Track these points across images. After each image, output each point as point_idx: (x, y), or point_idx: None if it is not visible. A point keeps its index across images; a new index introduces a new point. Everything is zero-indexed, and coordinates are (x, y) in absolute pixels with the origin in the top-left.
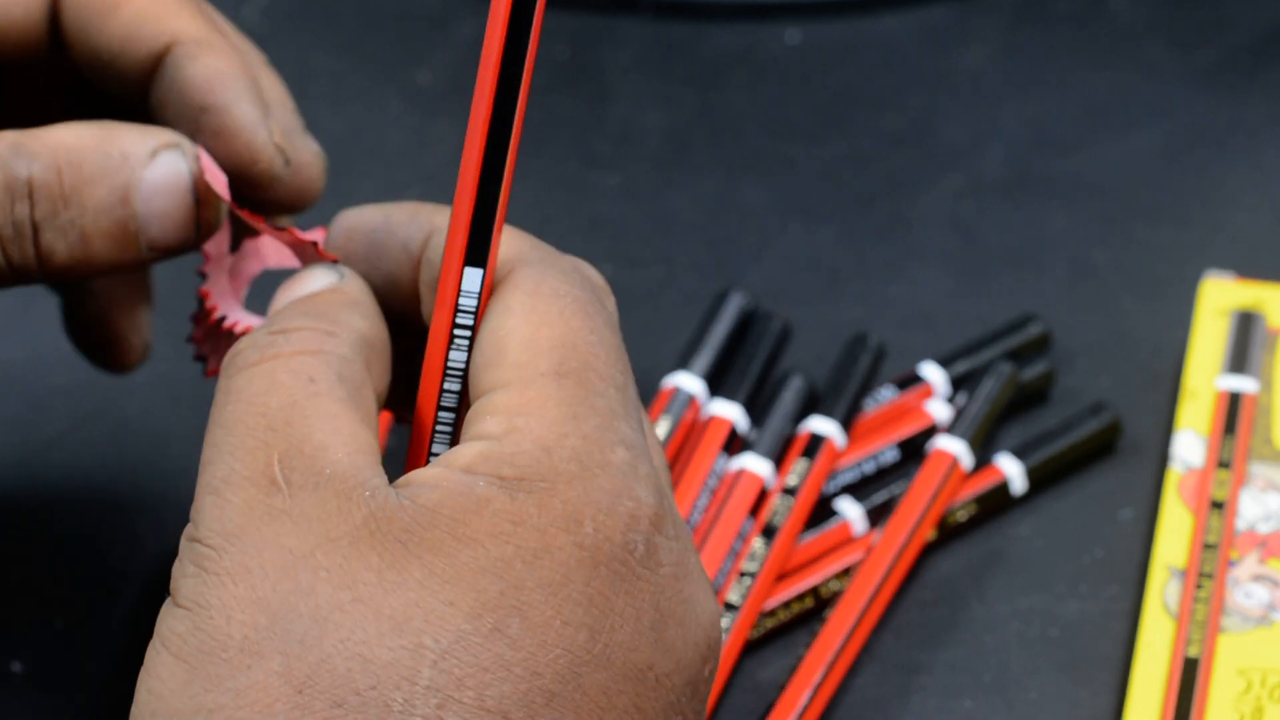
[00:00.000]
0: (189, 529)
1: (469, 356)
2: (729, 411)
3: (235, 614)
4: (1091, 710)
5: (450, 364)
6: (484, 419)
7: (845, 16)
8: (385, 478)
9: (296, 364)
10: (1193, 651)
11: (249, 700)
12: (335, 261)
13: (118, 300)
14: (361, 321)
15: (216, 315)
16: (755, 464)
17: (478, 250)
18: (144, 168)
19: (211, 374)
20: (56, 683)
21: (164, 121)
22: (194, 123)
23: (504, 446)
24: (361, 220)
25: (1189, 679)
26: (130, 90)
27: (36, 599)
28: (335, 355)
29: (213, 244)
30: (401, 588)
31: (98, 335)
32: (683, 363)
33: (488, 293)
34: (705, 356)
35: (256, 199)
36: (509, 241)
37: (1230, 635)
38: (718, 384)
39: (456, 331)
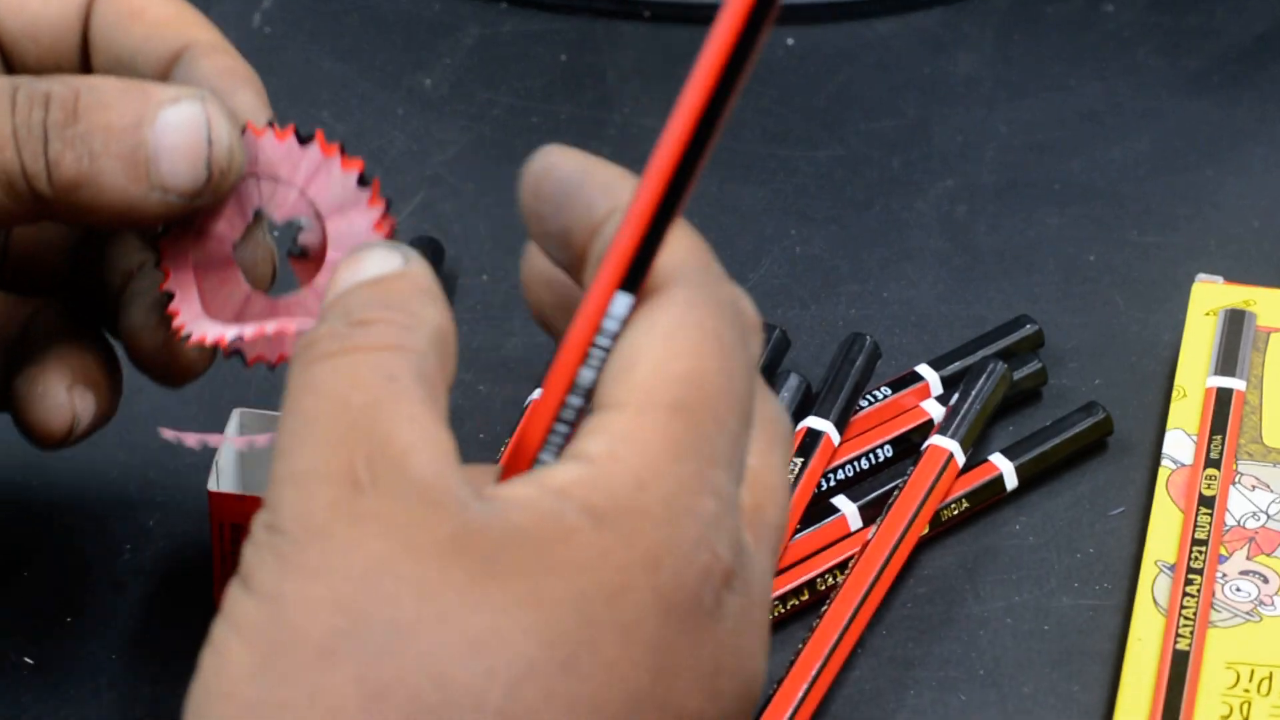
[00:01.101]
0: (266, 516)
1: (598, 376)
2: None
3: (315, 612)
4: (1083, 703)
5: (578, 380)
6: (590, 437)
7: (840, 22)
8: (470, 485)
9: (377, 360)
10: (1182, 646)
11: (322, 703)
12: (385, 221)
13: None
14: (435, 314)
15: (177, 320)
16: None
17: (635, 277)
18: (162, 106)
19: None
20: (66, 676)
21: None
22: None
23: (599, 473)
24: (562, 163)
25: (1179, 673)
26: None
27: (46, 594)
28: (415, 353)
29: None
30: (482, 609)
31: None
32: None
33: (635, 310)
34: None
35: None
36: (679, 247)
37: (1219, 630)
38: None
39: (592, 351)
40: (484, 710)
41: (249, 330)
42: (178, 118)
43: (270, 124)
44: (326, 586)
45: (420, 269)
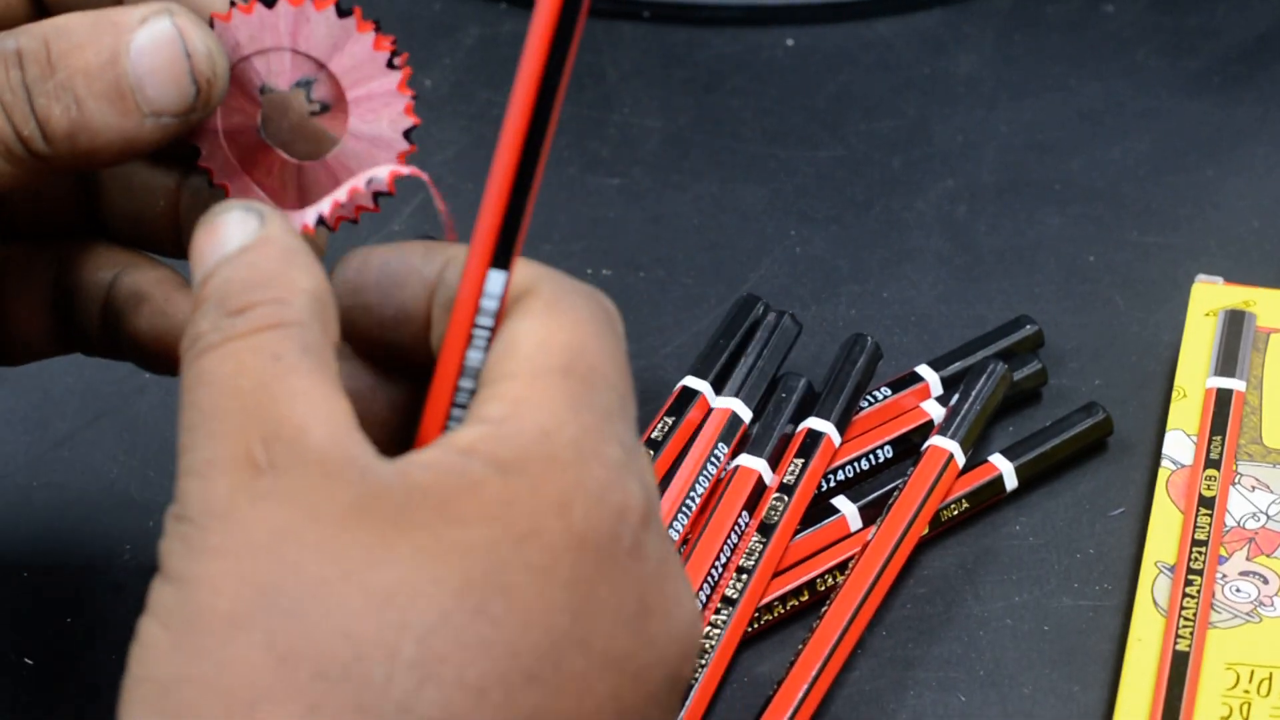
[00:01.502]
0: (174, 508)
1: (485, 357)
2: (729, 403)
3: (222, 588)
4: (1083, 704)
5: (467, 362)
6: (487, 404)
7: (841, 22)
8: (369, 446)
9: (259, 342)
10: (1182, 646)
11: (232, 670)
12: (381, 41)
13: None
14: (306, 279)
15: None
16: (753, 462)
17: (503, 253)
18: (132, 31)
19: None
20: (67, 677)
21: None
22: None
23: (503, 429)
24: (375, 255)
25: (1179, 673)
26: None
27: (47, 595)
28: (295, 325)
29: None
30: (388, 565)
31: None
32: (698, 369)
33: (507, 298)
34: (719, 362)
35: None
36: (527, 266)
37: (1219, 630)
38: (724, 381)
39: (476, 331)
40: (396, 661)
41: (325, 207)
42: (150, 39)
43: (232, 3)
44: (233, 562)
45: (279, 229)
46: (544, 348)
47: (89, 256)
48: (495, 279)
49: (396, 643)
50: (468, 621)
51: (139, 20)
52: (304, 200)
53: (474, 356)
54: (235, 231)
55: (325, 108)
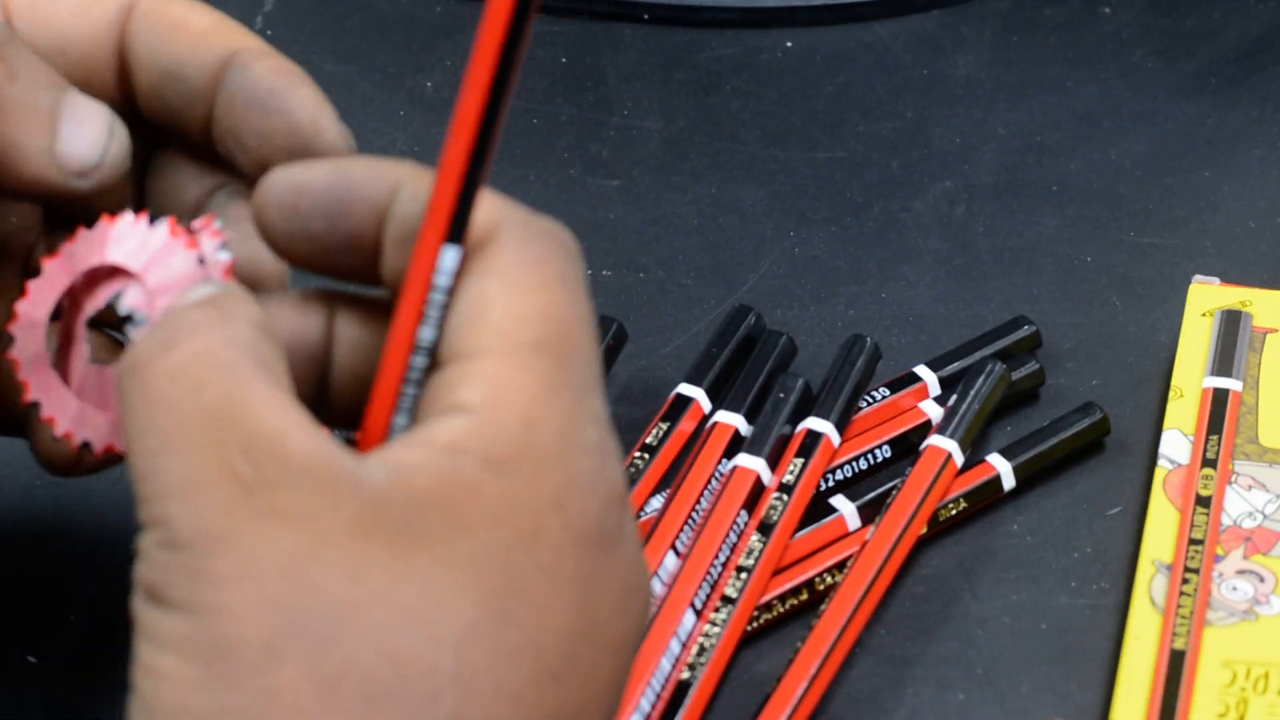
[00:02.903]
0: (157, 534)
1: (438, 333)
2: (732, 419)
3: (247, 616)
4: (1080, 702)
5: (419, 340)
6: (462, 386)
7: (840, 24)
8: (351, 455)
9: (209, 358)
10: (1179, 645)
11: (277, 701)
12: (230, 273)
13: None
14: (252, 309)
15: (29, 397)
16: (752, 462)
17: (458, 229)
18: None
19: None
20: (69, 674)
21: (227, 120)
22: (261, 105)
23: (486, 422)
24: (314, 177)
25: (1175, 671)
26: (195, 97)
27: (50, 593)
28: (242, 340)
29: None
30: (410, 579)
31: None
32: (691, 377)
33: (465, 264)
34: (713, 370)
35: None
36: (488, 203)
37: (1216, 629)
38: (722, 396)
39: (427, 309)
40: (438, 677)
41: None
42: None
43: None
44: (252, 588)
45: (236, 289)
46: (515, 316)
47: None
48: (450, 255)
49: (435, 658)
50: (495, 629)
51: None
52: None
53: (426, 334)
54: (200, 292)
55: (132, 318)
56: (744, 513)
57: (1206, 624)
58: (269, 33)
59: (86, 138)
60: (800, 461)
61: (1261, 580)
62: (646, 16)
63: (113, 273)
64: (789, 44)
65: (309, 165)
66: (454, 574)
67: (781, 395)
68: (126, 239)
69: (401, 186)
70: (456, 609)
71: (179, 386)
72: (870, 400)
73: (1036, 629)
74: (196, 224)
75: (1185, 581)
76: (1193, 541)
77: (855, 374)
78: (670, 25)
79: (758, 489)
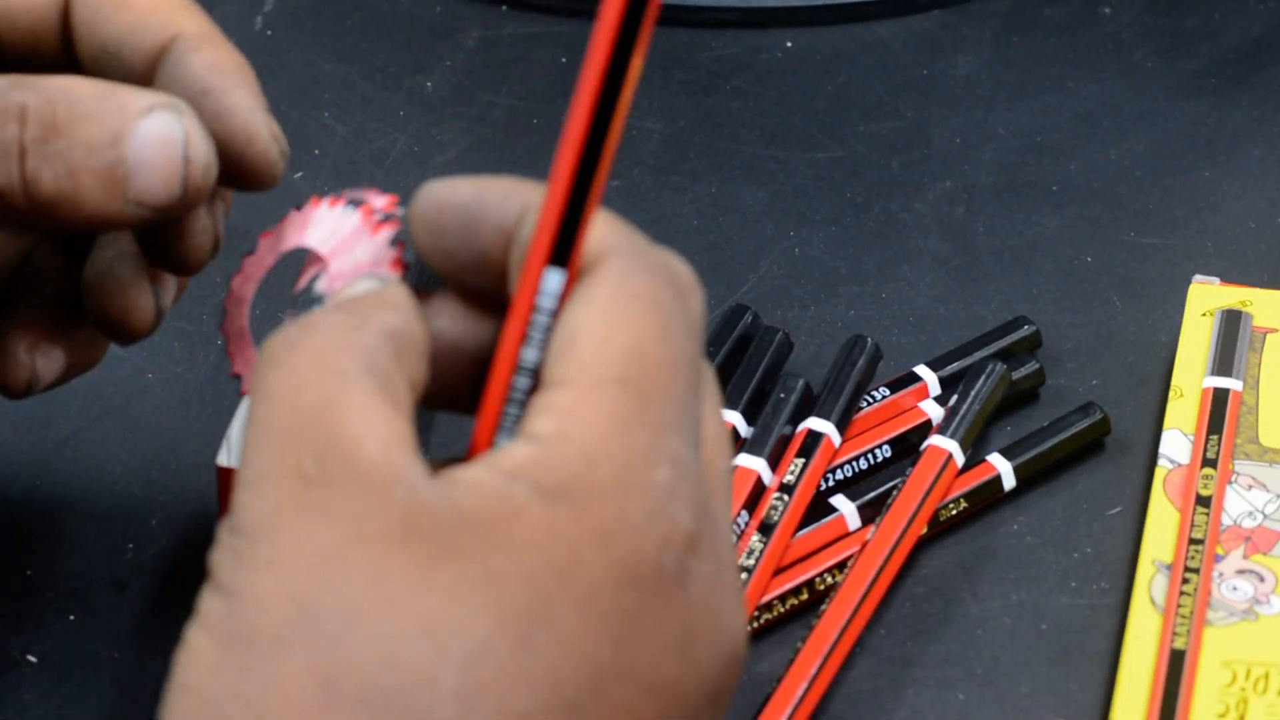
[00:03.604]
0: (228, 520)
1: (542, 355)
2: (729, 417)
3: (267, 605)
4: (1080, 702)
5: (522, 361)
6: (538, 416)
7: (840, 24)
8: (422, 469)
9: (324, 359)
10: (1179, 644)
11: (276, 691)
12: (398, 263)
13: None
14: (392, 316)
15: (236, 369)
16: (752, 462)
17: (562, 250)
18: (139, 118)
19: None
20: (68, 675)
21: None
22: (195, 105)
23: (548, 452)
24: (454, 194)
25: (1175, 671)
26: (133, 79)
27: (50, 592)
28: (363, 348)
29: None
30: (430, 591)
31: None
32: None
33: (570, 288)
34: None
35: (233, 179)
36: (602, 229)
37: (1216, 628)
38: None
39: (530, 330)
40: (438, 690)
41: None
42: (154, 133)
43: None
44: (278, 578)
45: (394, 290)
46: (602, 350)
47: None
48: (553, 277)
49: (437, 671)
50: (510, 651)
51: (146, 108)
52: None
53: (529, 355)
54: (358, 288)
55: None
56: (744, 513)
57: (1206, 624)
58: (269, 33)
59: (159, 174)
60: (801, 461)
61: (1261, 580)
62: None
63: (315, 255)
64: (789, 44)
65: (453, 182)
66: (476, 592)
67: (782, 395)
68: (324, 223)
69: (529, 211)
70: (470, 626)
71: (287, 383)
72: (870, 400)
73: (1036, 629)
74: (379, 201)
75: (1185, 581)
76: (1193, 541)
77: (856, 374)
78: (670, 25)
79: (758, 489)
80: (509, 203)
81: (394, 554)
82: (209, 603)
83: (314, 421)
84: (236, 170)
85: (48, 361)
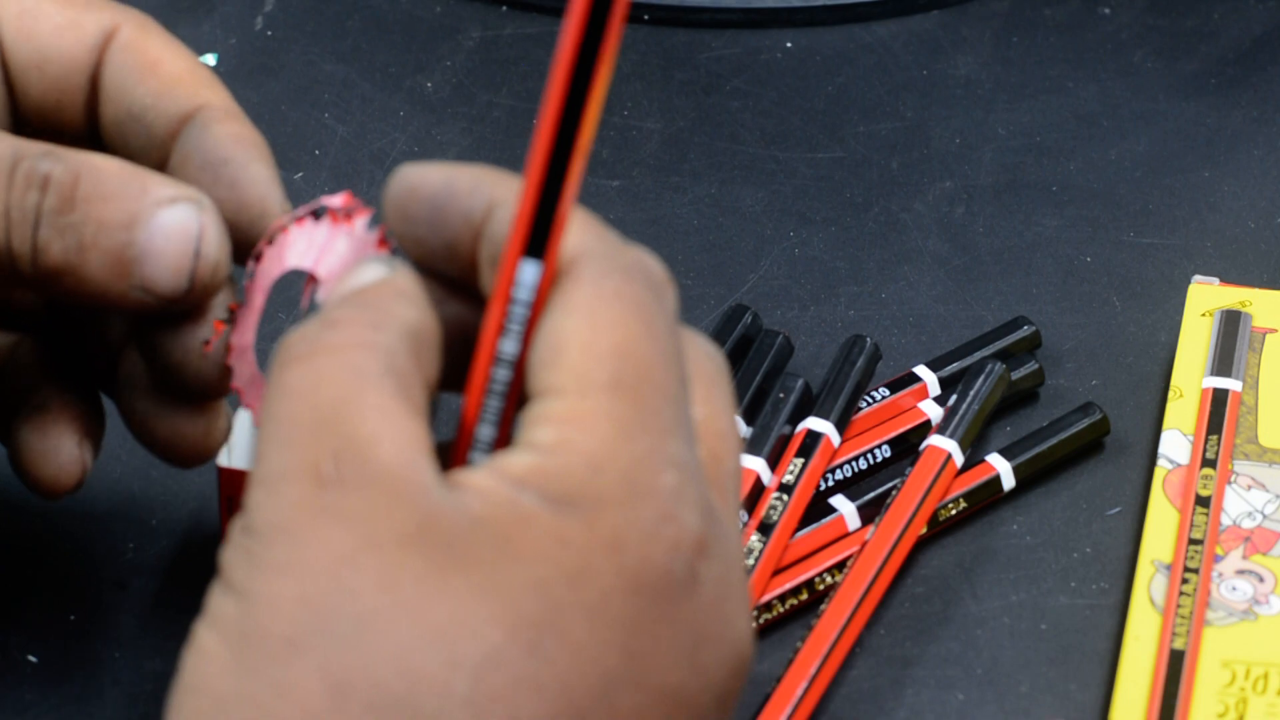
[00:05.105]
0: (242, 518)
1: (521, 347)
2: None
3: (281, 608)
4: (1080, 702)
5: (501, 353)
6: (537, 426)
7: (839, 25)
8: (436, 472)
9: (344, 358)
10: (1178, 644)
11: (286, 695)
12: (384, 243)
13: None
14: (409, 312)
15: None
16: (751, 462)
17: (538, 242)
18: (160, 206)
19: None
20: (69, 675)
21: (179, 177)
22: (213, 173)
23: (553, 461)
24: (424, 181)
25: (1175, 671)
26: (154, 144)
27: (50, 593)
28: (382, 348)
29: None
30: (443, 598)
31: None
32: None
33: (547, 284)
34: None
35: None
36: (577, 230)
37: (1215, 629)
38: None
39: (508, 323)
40: (450, 698)
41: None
42: (170, 223)
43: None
44: (292, 581)
45: (403, 276)
46: (590, 354)
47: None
48: (528, 269)
49: (449, 678)
50: (521, 660)
51: (169, 198)
52: None
53: (507, 346)
54: (364, 274)
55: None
56: (744, 512)
57: (1206, 624)
58: (269, 33)
59: (168, 263)
60: (800, 461)
61: (1261, 580)
62: (646, 17)
63: (304, 274)
64: (789, 44)
65: (424, 167)
66: (488, 600)
67: (782, 395)
68: (298, 242)
69: (497, 206)
70: (482, 634)
71: (305, 381)
72: (870, 400)
73: (1036, 629)
74: (335, 201)
75: (1185, 581)
76: (1192, 541)
77: (855, 374)
78: (670, 25)
79: (758, 489)
80: (477, 195)
81: (407, 559)
82: (219, 602)
83: (332, 421)
84: (247, 239)
85: (89, 457)
